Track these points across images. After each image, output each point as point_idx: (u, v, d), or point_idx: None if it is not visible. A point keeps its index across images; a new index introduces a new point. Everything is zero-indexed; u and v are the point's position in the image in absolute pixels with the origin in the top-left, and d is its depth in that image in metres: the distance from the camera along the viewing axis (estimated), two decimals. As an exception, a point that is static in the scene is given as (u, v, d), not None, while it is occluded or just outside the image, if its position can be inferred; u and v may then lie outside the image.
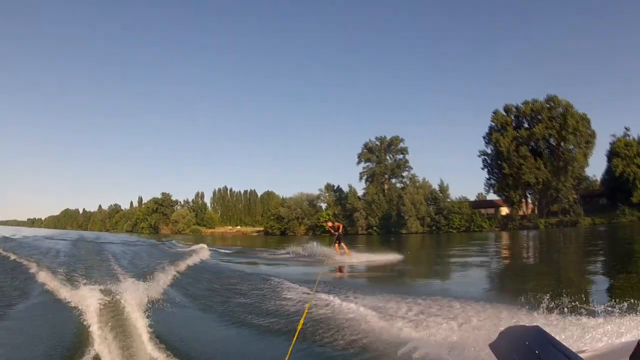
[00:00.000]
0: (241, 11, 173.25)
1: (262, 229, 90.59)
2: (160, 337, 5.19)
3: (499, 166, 56.91)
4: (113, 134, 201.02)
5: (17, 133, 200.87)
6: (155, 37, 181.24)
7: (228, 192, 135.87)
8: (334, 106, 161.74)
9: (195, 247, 22.54)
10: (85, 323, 5.62)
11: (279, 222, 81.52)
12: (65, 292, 7.84)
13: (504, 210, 61.86)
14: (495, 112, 59.20)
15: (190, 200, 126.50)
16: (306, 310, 5.75)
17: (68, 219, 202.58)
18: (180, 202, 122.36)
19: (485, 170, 60.01)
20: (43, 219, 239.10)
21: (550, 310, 5.29)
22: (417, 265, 17.66)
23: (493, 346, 2.07)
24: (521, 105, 57.58)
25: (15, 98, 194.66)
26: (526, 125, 57.43)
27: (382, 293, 7.69)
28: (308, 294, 8.04)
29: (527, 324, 2.45)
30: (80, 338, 5.25)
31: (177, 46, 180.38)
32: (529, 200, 59.59)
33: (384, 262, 16.11)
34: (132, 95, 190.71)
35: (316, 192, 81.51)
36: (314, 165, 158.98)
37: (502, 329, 2.24)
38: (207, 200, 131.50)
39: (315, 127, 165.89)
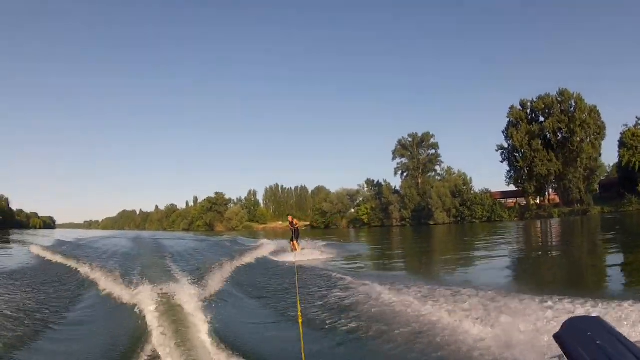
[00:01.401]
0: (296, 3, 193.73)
1: (308, 223, 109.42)
2: (217, 332, 6.16)
3: (514, 159, 69.85)
4: (168, 135, 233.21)
5: (73, 137, 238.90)
6: (218, 34, 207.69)
7: (279, 188, 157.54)
8: (369, 103, 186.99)
9: (257, 243, 27.08)
10: (143, 320, 6.91)
11: (322, 217, 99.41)
12: (122, 291, 9.42)
13: (532, 200, 74.64)
14: (512, 108, 71.93)
15: (243, 198, 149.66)
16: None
17: (125, 219, 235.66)
18: (233, 200, 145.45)
19: (505, 162, 73.21)
20: (100, 220, 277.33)
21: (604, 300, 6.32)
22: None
23: (557, 337, 2.24)
24: (535, 100, 69.80)
25: (74, 103, 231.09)
26: (541, 119, 69.58)
27: (418, 284, 9.20)
28: (364, 284, 9.59)
29: (589, 315, 3.36)
30: (139, 335, 6.32)
31: (232, 43, 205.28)
32: (550, 191, 71.86)
33: (339, 256, 19.45)
34: (185, 94, 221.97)
35: (357, 187, 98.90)
36: (356, 161, 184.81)
37: (566, 318, 2.46)
38: (260, 197, 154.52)
39: (356, 123, 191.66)
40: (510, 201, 77.99)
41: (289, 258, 17.72)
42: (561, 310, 6.04)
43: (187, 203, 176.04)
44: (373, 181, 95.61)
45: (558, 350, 2.24)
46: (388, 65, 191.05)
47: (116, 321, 7.56)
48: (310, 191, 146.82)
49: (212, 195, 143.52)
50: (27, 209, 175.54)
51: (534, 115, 71.19)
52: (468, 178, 78.13)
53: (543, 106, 69.00)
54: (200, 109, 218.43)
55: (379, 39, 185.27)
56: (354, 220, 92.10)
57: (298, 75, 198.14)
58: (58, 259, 18.39)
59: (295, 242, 21.38)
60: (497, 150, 74.39)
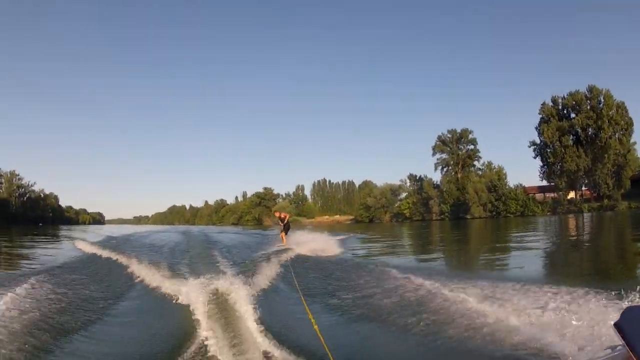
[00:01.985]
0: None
1: (353, 217, 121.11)
2: (266, 325, 6.36)
3: (546, 155, 78.21)
4: (217, 132, 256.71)
5: (123, 132, 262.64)
6: (268, 31, 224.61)
7: (327, 183, 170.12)
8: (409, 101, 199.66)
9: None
10: (191, 314, 7.31)
11: (367, 211, 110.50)
12: (170, 284, 9.96)
13: (571, 194, 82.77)
14: (543, 104, 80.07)
15: (291, 193, 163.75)
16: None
17: (175, 215, 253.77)
18: (281, 195, 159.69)
19: (538, 158, 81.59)
20: (149, 216, 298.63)
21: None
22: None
23: (617, 325, 2.31)
24: (566, 96, 77.61)
25: (124, 100, 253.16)
26: (572, 115, 77.29)
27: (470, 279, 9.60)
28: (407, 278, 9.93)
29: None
30: (187, 328, 6.67)
31: (276, 41, 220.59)
32: (584, 187, 79.68)
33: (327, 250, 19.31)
34: (230, 91, 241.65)
35: (399, 182, 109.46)
36: (402, 155, 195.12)
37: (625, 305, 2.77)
38: (307, 192, 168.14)
39: (399, 119, 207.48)
40: (539, 196, 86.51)
41: (279, 246, 19.65)
42: (611, 300, 6.40)
43: (236, 198, 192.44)
44: (415, 176, 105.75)
45: (617, 341, 2.40)
46: (427, 63, 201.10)
47: (164, 314, 8.10)
48: (357, 186, 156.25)
49: (261, 190, 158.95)
50: (76, 206, 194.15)
51: (565, 112, 79.00)
52: (504, 172, 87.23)
53: (573, 102, 76.72)
54: (247, 105, 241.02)
55: (417, 36, 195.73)
56: (396, 215, 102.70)
57: (344, 72, 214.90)
58: (105, 253, 19.02)
59: (283, 234, 22.86)
60: (529, 147, 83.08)
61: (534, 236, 28.36)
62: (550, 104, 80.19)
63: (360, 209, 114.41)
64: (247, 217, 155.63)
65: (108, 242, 27.47)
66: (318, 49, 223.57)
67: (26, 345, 5.74)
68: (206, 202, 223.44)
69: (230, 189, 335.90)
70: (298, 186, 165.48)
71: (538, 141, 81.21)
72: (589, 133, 75.29)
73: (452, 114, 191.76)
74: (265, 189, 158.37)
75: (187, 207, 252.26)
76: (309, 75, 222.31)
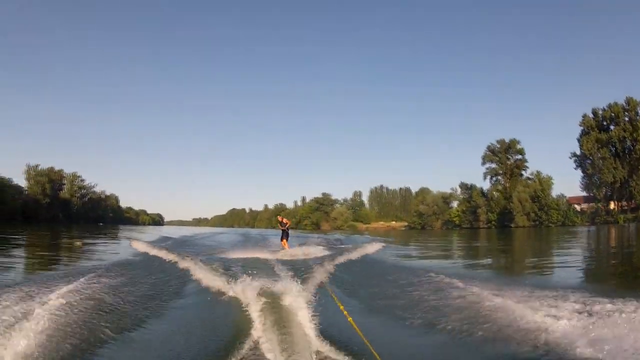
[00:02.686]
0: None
1: (407, 223, 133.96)
2: (318, 326, 6.80)
3: (585, 166, 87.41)
4: (278, 139, 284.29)
5: (186, 136, 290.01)
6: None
7: (384, 190, 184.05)
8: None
9: (365, 240, 33.12)
10: (244, 314, 7.87)
11: (419, 218, 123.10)
12: (224, 284, 10.75)
13: (612, 205, 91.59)
14: (584, 116, 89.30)
15: (348, 198, 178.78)
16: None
17: (235, 217, 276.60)
18: (339, 201, 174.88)
19: (579, 169, 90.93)
20: (209, 218, 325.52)
21: None
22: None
23: None
24: (605, 108, 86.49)
25: (189, 105, 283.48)
26: (612, 127, 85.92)
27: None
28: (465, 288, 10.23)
29: None
30: (241, 328, 7.16)
31: (337, 45, 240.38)
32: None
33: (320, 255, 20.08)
34: (294, 98, 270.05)
35: (450, 190, 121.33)
36: (459, 163, 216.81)
37: None
38: (365, 198, 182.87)
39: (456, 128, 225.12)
40: (583, 206, 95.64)
41: (279, 255, 19.91)
42: None
43: (295, 203, 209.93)
44: (466, 185, 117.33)
45: None
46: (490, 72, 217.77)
47: (218, 312, 8.87)
48: (414, 192, 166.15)
49: (319, 195, 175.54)
50: (136, 207, 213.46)
51: (604, 124, 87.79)
52: (552, 182, 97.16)
53: (612, 114, 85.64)
54: (309, 113, 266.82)
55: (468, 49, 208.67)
56: (447, 222, 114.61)
57: (402, 77, 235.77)
58: (160, 253, 20.29)
59: (285, 241, 24.04)
60: (570, 158, 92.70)
61: (572, 247, 29.52)
62: (591, 115, 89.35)
63: (414, 216, 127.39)
64: (305, 221, 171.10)
65: (163, 242, 30.27)
66: (382, 53, 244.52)
67: (83, 338, 6.48)
68: (266, 206, 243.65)
69: (290, 193, 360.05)
70: (355, 192, 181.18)
71: (579, 152, 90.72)
72: (626, 145, 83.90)
73: (508, 122, 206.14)
74: (323, 194, 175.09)
75: (247, 210, 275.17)
76: (367, 79, 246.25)
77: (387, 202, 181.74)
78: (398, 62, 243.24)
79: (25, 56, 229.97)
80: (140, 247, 25.21)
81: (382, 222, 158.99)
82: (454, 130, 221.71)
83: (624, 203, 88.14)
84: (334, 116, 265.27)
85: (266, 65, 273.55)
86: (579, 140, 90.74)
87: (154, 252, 21.67)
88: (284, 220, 25.26)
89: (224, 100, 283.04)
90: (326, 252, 21.35)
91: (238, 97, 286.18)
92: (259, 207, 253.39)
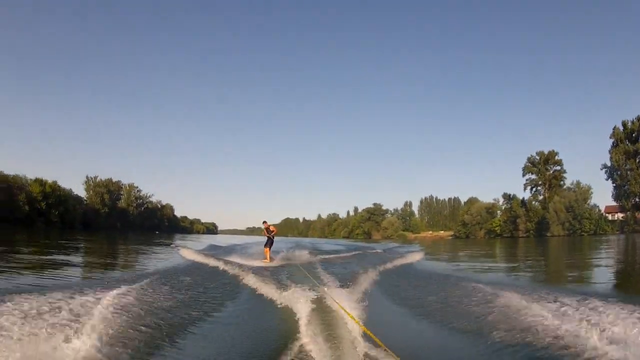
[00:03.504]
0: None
1: (452, 233, 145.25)
2: (365, 330, 7.05)
3: (614, 177, 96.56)
4: (333, 150, 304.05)
5: (241, 147, 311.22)
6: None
7: (434, 200, 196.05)
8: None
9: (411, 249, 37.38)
10: (292, 319, 8.37)
11: (464, 227, 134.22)
12: (272, 291, 11.54)
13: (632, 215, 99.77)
14: (614, 128, 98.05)
15: (399, 208, 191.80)
16: None
17: (289, 227, 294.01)
18: (390, 211, 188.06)
19: (610, 180, 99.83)
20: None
21: None
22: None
23: None
24: (634, 121, 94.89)
25: (245, 116, 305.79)
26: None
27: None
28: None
29: None
30: (288, 333, 7.53)
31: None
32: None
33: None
34: (348, 108, 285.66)
35: (493, 201, 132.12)
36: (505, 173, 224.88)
37: None
38: (415, 208, 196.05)
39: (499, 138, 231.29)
40: (618, 215, 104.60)
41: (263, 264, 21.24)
42: None
43: (347, 213, 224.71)
44: (508, 195, 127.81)
45: None
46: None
47: (265, 318, 9.39)
48: (462, 202, 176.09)
49: (371, 205, 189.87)
50: (191, 216, 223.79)
51: (633, 135, 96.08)
52: (591, 192, 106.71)
53: (638, 128, 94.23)
54: (362, 125, 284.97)
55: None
56: (489, 231, 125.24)
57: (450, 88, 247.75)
58: (210, 261, 21.99)
59: (267, 249, 23.79)
60: (601, 169, 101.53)
61: (599, 257, 30.46)
62: (621, 128, 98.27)
63: (459, 226, 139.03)
64: (357, 230, 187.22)
65: (213, 251, 32.19)
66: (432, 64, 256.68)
67: (137, 340, 6.76)
68: (319, 215, 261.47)
69: (344, 203, 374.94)
70: (406, 202, 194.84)
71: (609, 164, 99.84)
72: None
73: (556, 132, 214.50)
74: (374, 204, 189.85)
75: (301, 219, 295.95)
76: (419, 93, 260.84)
77: (436, 212, 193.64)
78: (448, 80, 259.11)
79: (78, 65, 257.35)
80: (189, 255, 27.05)
81: (430, 232, 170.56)
82: (503, 141, 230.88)
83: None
84: (388, 128, 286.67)
85: (316, 80, 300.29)
86: (610, 152, 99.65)
87: (201, 259, 23.66)
88: (270, 227, 25.00)
89: (280, 110, 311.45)
90: (298, 263, 21.68)
91: (292, 109, 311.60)
92: (313, 217, 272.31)
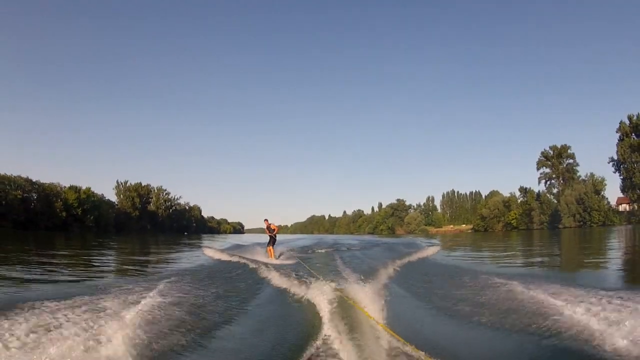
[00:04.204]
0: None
1: (472, 226, 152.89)
2: (388, 325, 7.35)
3: (620, 170, 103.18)
4: (358, 147, 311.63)
5: (267, 144, 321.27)
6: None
7: (455, 194, 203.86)
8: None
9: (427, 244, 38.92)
10: (315, 315, 8.74)
11: (482, 221, 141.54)
12: (295, 288, 12.07)
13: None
14: (621, 122, 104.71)
15: (421, 203, 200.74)
16: None
17: (314, 224, 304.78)
18: (413, 206, 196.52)
19: (617, 173, 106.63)
20: (289, 225, 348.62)
21: None
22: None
23: None
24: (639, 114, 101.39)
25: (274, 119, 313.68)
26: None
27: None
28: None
29: None
30: (312, 328, 7.88)
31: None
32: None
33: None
34: (371, 108, 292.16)
35: (509, 194, 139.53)
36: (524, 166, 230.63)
37: None
38: (437, 202, 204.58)
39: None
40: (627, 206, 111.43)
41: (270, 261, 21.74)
42: None
43: (372, 209, 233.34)
44: (525, 188, 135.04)
45: None
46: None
47: (289, 313, 9.82)
48: (484, 196, 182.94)
49: (394, 201, 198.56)
50: (218, 216, 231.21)
51: (639, 129, 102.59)
52: (605, 183, 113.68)
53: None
54: (386, 124, 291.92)
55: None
56: (507, 224, 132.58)
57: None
58: (233, 259, 22.70)
59: (271, 248, 24.44)
60: (608, 162, 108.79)
61: (601, 248, 31.24)
62: (627, 121, 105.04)
63: (477, 219, 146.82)
64: (381, 226, 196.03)
65: (235, 249, 32.68)
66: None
67: (165, 340, 7.00)
68: (344, 212, 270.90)
69: (369, 199, 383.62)
70: (428, 197, 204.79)
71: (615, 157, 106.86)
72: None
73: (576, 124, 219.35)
74: (398, 200, 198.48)
75: (326, 217, 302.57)
76: (437, 90, 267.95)
77: (458, 205, 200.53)
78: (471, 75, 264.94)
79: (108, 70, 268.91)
80: (212, 254, 27.66)
81: (451, 226, 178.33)
82: (524, 133, 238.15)
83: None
84: (411, 123, 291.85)
85: (339, 78, 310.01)
86: (617, 146, 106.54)
87: (224, 257, 24.30)
88: (272, 226, 25.30)
89: (303, 109, 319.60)
90: (319, 261, 22.37)
91: (318, 108, 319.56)
92: (339, 214, 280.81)
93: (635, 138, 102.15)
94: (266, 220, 25.81)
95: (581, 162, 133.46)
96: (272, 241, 24.82)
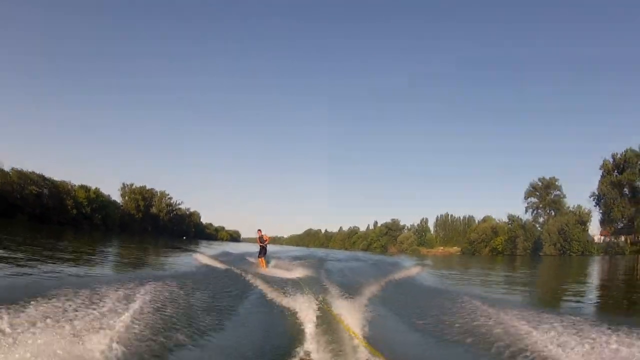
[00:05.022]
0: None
1: (460, 249, 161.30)
2: (367, 339, 8.07)
3: (600, 205, 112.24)
4: (357, 164, 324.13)
5: (263, 157, 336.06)
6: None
7: (449, 217, 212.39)
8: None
9: (411, 265, 40.68)
10: (297, 324, 9.27)
11: (470, 245, 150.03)
12: (279, 297, 12.61)
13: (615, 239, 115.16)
14: (604, 160, 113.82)
15: (415, 224, 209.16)
16: None
17: (310, 238, 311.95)
18: (407, 226, 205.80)
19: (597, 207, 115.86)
20: (285, 236, 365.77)
21: None
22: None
23: None
24: (620, 155, 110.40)
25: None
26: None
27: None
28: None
29: None
30: (294, 337, 8.41)
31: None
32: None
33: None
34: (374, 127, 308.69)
35: (498, 220, 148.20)
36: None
37: None
38: (431, 224, 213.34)
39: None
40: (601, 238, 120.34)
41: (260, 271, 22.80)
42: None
43: (367, 226, 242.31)
44: (513, 216, 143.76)
45: None
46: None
47: (271, 322, 10.29)
48: (476, 221, 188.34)
49: (389, 220, 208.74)
50: (216, 223, 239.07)
51: (621, 167, 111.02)
52: (591, 216, 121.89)
53: (623, 161, 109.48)
54: (389, 142, 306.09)
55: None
56: (493, 249, 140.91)
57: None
58: (221, 266, 23.60)
59: (262, 258, 25.09)
60: (589, 197, 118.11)
61: (577, 276, 35.32)
62: (611, 160, 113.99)
63: (465, 243, 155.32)
64: (375, 244, 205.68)
65: (224, 257, 33.86)
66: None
67: (152, 342, 7.21)
68: (340, 228, 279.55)
69: (364, 217, 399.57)
70: (422, 219, 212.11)
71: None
72: (635, 186, 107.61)
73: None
74: (392, 220, 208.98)
75: (323, 231, 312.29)
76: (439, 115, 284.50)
77: (451, 228, 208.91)
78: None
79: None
80: (203, 259, 28.82)
81: (441, 248, 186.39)
82: (519, 161, 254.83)
83: (632, 237, 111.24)
84: (411, 147, 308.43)
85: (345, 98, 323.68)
86: (599, 182, 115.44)
87: (216, 264, 24.82)
88: (264, 237, 25.67)
89: (303, 124, 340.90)
90: (305, 273, 22.94)
91: (316, 124, 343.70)
92: (335, 229, 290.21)
93: (617, 176, 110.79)
94: (259, 230, 26.89)
95: (576, 194, 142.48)
96: (264, 251, 25.97)
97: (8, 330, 6.52)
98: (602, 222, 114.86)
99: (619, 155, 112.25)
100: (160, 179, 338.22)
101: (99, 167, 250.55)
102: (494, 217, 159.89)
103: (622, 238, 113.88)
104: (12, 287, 11.57)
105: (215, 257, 31.74)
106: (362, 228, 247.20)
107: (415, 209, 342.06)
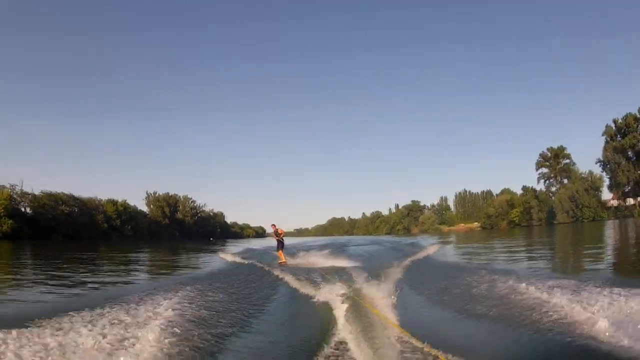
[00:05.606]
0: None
1: (479, 224, 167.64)
2: (401, 325, 8.03)
3: (606, 170, 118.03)
4: (378, 149, 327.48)
5: (284, 153, 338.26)
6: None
7: (467, 193, 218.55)
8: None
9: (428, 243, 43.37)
10: (329, 315, 9.33)
11: (488, 219, 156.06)
12: (308, 289, 12.70)
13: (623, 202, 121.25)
14: (607, 126, 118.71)
15: (435, 203, 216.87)
16: None
17: (335, 226, 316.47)
18: (427, 206, 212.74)
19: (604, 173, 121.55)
20: (310, 228, 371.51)
21: None
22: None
23: None
24: (621, 119, 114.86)
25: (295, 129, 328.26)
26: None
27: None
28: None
29: None
30: (326, 328, 8.41)
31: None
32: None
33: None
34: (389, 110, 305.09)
35: (515, 192, 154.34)
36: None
37: None
38: (451, 202, 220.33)
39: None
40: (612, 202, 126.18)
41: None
42: None
43: (389, 210, 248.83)
44: (527, 187, 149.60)
45: None
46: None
47: (304, 315, 10.35)
48: (494, 194, 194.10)
49: (409, 202, 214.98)
50: (240, 222, 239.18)
51: (623, 132, 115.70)
52: (603, 181, 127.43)
53: (625, 125, 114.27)
54: (403, 124, 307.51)
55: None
56: (510, 222, 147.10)
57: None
58: (247, 262, 24.71)
59: (281, 252, 25.61)
60: (596, 163, 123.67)
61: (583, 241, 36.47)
62: (613, 125, 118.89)
63: (483, 218, 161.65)
64: (398, 226, 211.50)
65: (249, 253, 35.56)
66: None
67: (189, 342, 7.39)
68: (363, 213, 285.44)
69: (386, 201, 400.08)
70: (442, 197, 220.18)
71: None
72: (638, 150, 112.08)
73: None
74: (412, 201, 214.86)
75: (346, 218, 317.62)
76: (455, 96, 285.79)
77: (470, 204, 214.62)
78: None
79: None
80: (228, 257, 30.02)
81: (462, 224, 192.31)
82: (534, 131, 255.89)
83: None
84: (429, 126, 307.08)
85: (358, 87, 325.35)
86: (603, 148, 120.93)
87: (238, 261, 26.58)
88: (279, 230, 26.39)
89: (320, 117, 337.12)
90: (329, 262, 23.96)
91: (336, 111, 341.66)
92: (358, 215, 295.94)
93: (620, 140, 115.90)
94: (273, 225, 27.42)
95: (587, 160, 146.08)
96: (281, 245, 26.33)
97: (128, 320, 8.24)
98: (610, 187, 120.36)
99: (620, 120, 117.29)
100: (177, 183, 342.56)
101: (114, 178, 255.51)
102: (512, 189, 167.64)
103: (631, 201, 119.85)
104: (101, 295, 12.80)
105: (240, 255, 34.25)
106: (384, 212, 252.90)
107: (434, 190, 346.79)
